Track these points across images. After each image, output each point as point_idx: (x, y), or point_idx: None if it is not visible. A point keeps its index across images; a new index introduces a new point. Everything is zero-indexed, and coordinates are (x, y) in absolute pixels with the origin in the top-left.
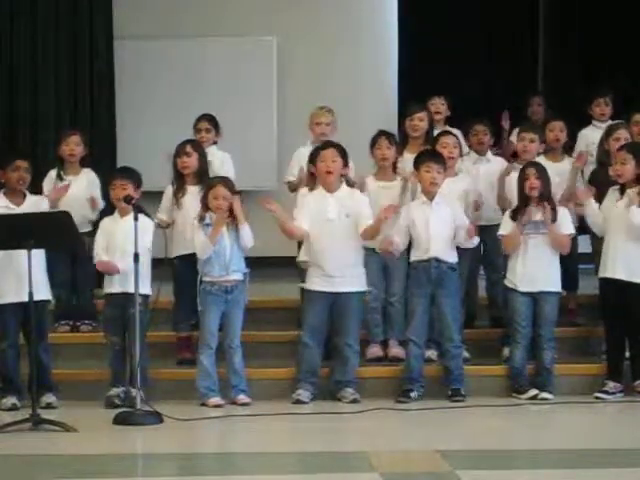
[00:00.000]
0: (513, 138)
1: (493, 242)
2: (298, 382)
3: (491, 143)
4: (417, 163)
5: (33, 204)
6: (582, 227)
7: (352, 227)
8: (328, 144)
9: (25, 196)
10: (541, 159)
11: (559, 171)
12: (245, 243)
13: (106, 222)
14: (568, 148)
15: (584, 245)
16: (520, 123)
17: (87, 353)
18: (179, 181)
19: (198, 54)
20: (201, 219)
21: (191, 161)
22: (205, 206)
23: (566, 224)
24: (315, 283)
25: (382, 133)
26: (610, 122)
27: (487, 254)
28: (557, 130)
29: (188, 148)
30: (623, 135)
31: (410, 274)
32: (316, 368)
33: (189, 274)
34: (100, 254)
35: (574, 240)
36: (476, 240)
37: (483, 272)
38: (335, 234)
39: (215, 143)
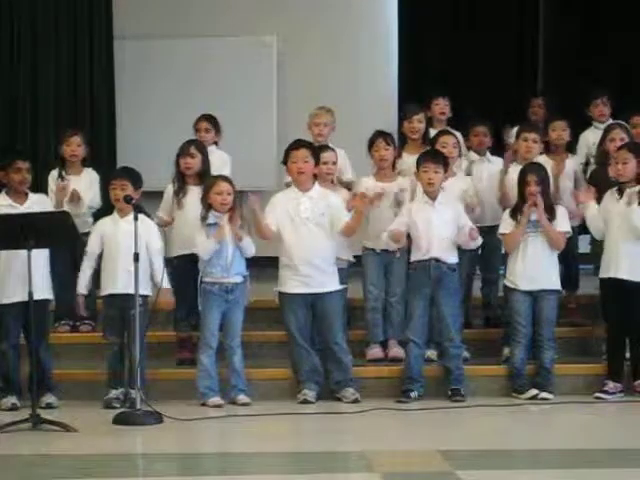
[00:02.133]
0: (510, 139)
1: (491, 242)
2: (302, 383)
3: (490, 144)
4: (417, 164)
5: (35, 203)
6: (583, 227)
7: (326, 226)
8: (300, 144)
9: (27, 195)
10: (542, 158)
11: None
12: (246, 254)
13: (104, 222)
14: (570, 147)
15: (583, 245)
16: (520, 124)
17: (87, 353)
18: (180, 181)
19: (198, 54)
20: (203, 219)
21: (195, 162)
22: (207, 205)
23: (563, 222)
24: (292, 286)
25: (379, 134)
26: (610, 122)
27: (484, 254)
28: (559, 129)
29: (192, 149)
30: (618, 135)
31: (410, 274)
32: (318, 367)
33: (189, 274)
34: (92, 255)
35: (574, 240)
36: (479, 241)
37: (479, 272)
38: (309, 233)
39: (215, 143)
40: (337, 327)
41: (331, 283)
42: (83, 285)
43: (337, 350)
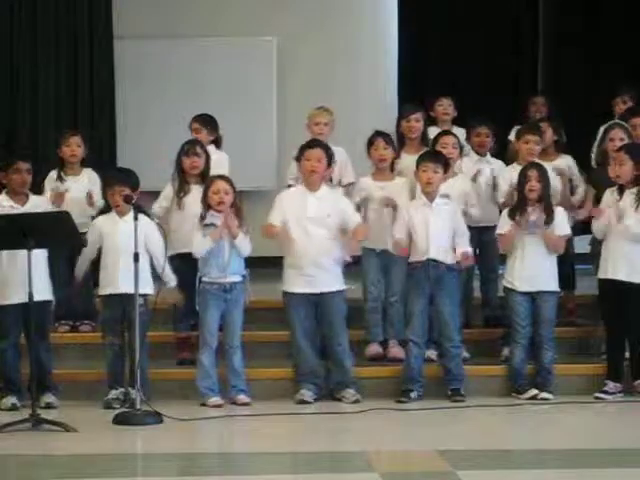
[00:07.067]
0: (510, 138)
1: (490, 242)
2: (300, 383)
3: (491, 146)
4: (417, 164)
5: (36, 204)
6: (580, 228)
7: (332, 227)
8: (315, 143)
9: (28, 196)
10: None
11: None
12: (242, 253)
13: (101, 222)
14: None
15: (582, 245)
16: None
17: (87, 353)
18: (181, 180)
19: (198, 54)
20: (202, 218)
21: (201, 162)
22: (207, 205)
23: (562, 225)
24: (296, 285)
25: (378, 134)
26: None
27: (483, 254)
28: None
29: (198, 149)
30: (618, 135)
31: (409, 274)
32: (316, 368)
33: (189, 274)
34: (91, 249)
35: (569, 240)
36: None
37: (478, 272)
38: (315, 233)
39: (214, 142)
40: (340, 328)
41: (335, 283)
42: (80, 273)
43: (339, 351)
